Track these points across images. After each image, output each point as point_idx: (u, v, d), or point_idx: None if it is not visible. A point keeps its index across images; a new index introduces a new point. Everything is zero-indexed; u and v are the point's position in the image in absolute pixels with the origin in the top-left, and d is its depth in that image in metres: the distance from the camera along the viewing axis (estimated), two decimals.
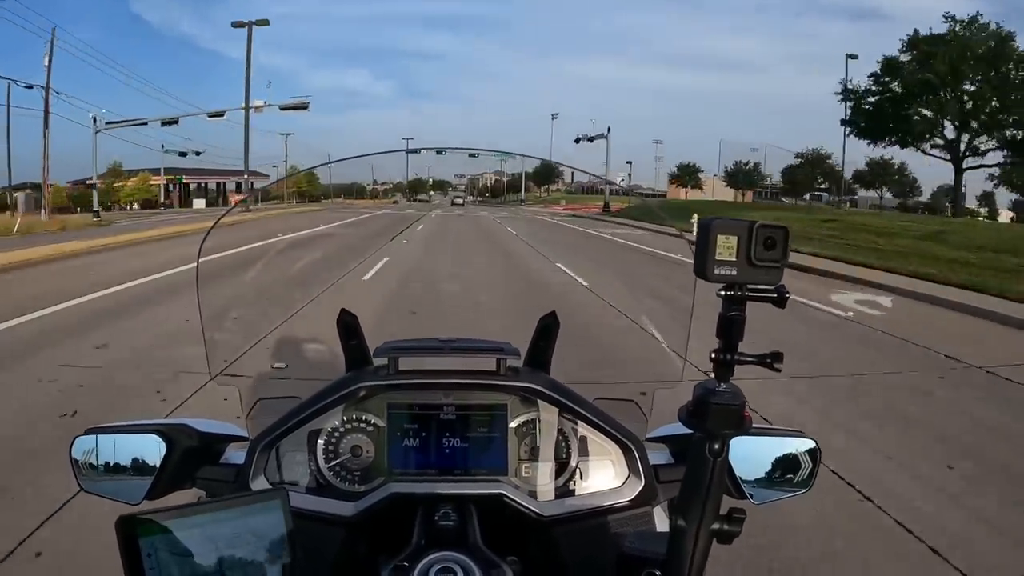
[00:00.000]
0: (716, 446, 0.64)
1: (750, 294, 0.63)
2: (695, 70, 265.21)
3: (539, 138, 71.77)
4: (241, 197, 61.52)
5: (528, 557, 0.88)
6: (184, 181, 65.02)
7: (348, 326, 1.06)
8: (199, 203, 60.26)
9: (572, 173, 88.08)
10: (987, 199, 63.49)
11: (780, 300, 0.63)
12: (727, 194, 75.15)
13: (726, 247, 0.61)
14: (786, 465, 0.99)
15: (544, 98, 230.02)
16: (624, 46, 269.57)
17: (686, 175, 76.70)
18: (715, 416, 0.63)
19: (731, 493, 0.96)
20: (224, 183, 68.81)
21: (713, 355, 0.64)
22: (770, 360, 0.64)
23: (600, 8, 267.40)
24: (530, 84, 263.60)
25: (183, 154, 47.62)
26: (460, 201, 70.40)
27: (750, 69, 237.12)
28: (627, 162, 51.88)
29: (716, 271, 0.62)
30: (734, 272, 0.62)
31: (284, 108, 33.79)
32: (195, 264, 1.14)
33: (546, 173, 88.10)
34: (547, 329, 1.09)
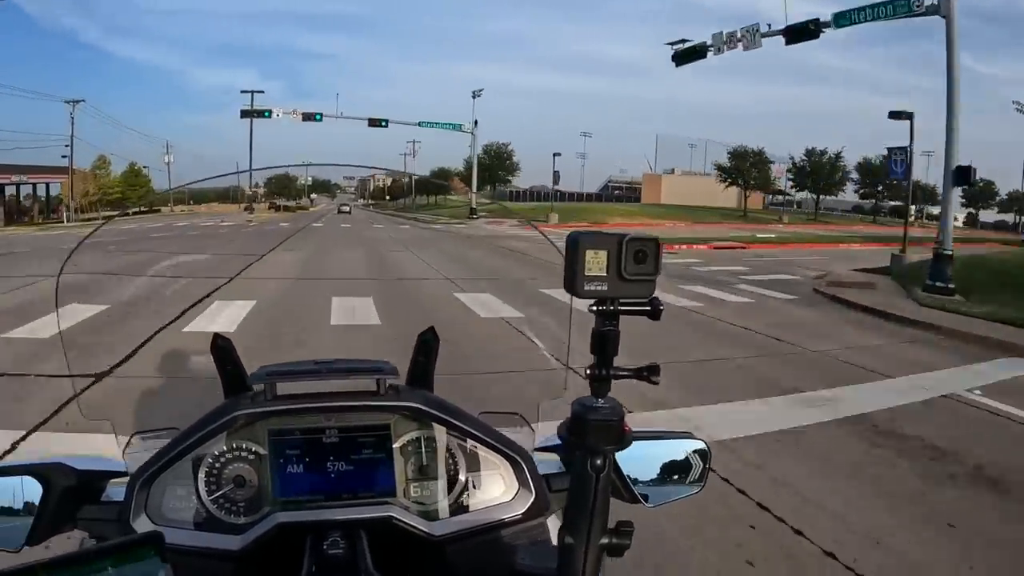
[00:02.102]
0: (598, 462, 0.64)
1: (623, 308, 0.63)
2: (589, 74, 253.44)
3: (455, 133, 42.99)
4: None
5: None
6: None
7: (222, 351, 1.02)
8: None
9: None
10: None
11: (654, 313, 0.64)
12: None
13: (595, 262, 0.61)
14: (678, 466, 1.01)
15: (450, 99, 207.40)
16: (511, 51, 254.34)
17: (748, 167, 50.79)
18: (594, 432, 0.64)
19: (624, 498, 0.96)
20: None
21: (588, 371, 0.64)
22: (647, 373, 0.65)
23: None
24: (430, 85, 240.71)
25: None
26: (347, 209, 56.09)
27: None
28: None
29: (586, 287, 0.62)
30: (605, 287, 0.62)
31: None
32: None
33: (488, 170, 56.04)
34: (426, 345, 1.06)
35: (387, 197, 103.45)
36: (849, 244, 27.84)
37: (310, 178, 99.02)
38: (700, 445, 1.02)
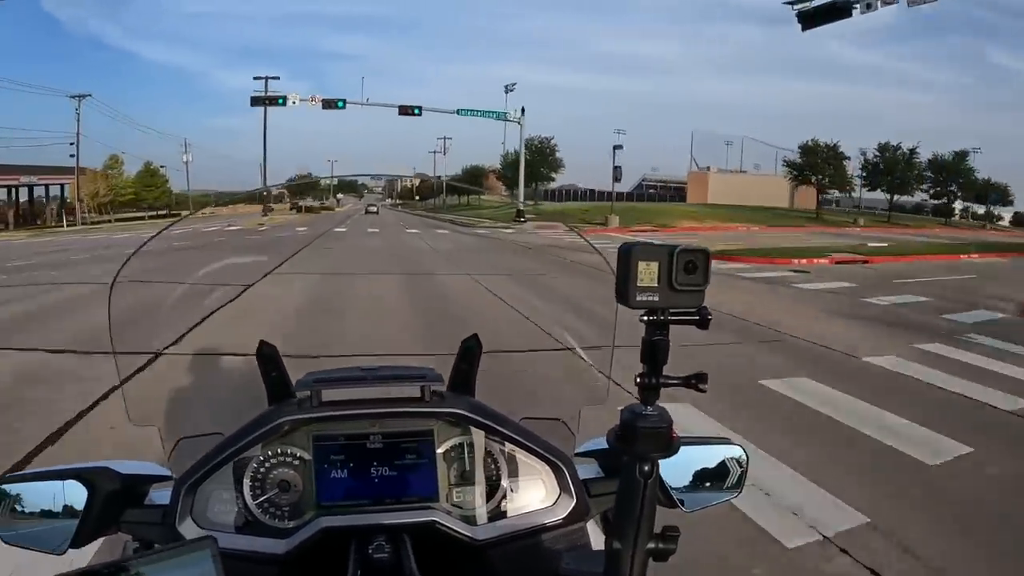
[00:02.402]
0: (646, 468, 0.65)
1: (672, 318, 0.64)
2: (610, 72, 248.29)
3: (487, 130, 38.60)
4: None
5: None
6: None
7: (268, 358, 1.02)
8: None
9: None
10: None
11: (703, 322, 0.64)
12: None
13: (647, 273, 0.62)
14: (715, 472, 1.01)
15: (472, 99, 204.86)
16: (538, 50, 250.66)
17: (821, 163, 45.38)
18: (643, 439, 0.64)
19: (662, 502, 0.95)
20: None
21: (638, 379, 0.65)
22: (695, 381, 0.65)
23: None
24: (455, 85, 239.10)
25: None
26: (374, 209, 53.02)
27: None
28: None
29: (638, 297, 0.63)
30: (656, 298, 0.63)
31: None
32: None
33: (530, 166, 48.64)
34: (469, 351, 1.07)
35: (416, 197, 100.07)
36: (968, 255, 22.79)
37: (333, 179, 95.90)
38: (738, 451, 1.02)
